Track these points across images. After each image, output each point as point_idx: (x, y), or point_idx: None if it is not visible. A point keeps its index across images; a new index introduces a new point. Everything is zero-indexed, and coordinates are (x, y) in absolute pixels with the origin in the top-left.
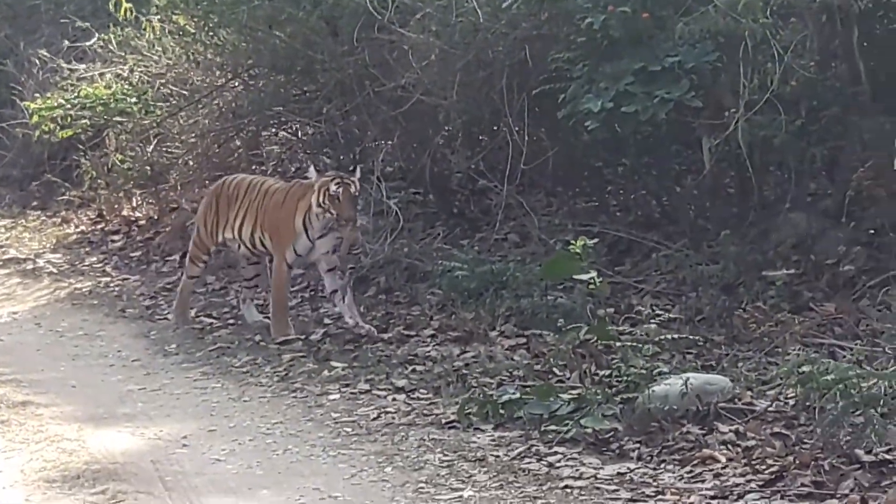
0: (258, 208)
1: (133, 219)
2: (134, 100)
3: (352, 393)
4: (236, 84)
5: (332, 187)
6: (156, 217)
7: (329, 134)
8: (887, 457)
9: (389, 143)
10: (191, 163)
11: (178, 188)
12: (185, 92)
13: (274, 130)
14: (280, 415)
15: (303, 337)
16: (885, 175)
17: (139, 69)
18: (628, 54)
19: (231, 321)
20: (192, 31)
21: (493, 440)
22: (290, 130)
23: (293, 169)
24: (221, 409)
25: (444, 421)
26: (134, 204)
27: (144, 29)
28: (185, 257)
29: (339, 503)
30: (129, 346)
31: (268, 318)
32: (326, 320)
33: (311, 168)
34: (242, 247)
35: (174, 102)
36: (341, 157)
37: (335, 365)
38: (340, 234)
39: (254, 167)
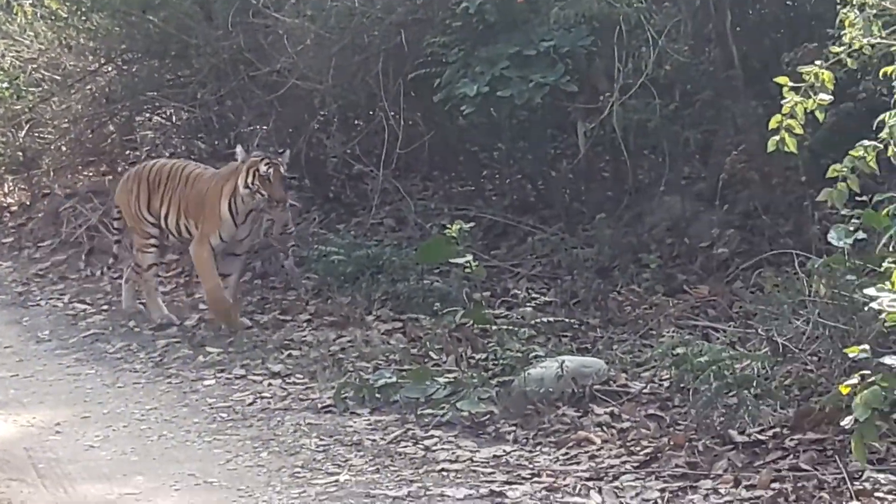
0: (181, 196)
1: (5, 205)
2: (5, 85)
3: (227, 378)
4: (109, 69)
5: (262, 168)
6: (28, 203)
7: (204, 119)
8: (760, 437)
9: (265, 127)
10: (63, 148)
11: (51, 174)
12: (57, 77)
13: (148, 115)
14: (155, 401)
15: (178, 322)
16: (757, 158)
17: (10, 54)
18: (504, 39)
19: (105, 307)
20: (65, 15)
21: (370, 424)
22: (164, 115)
23: (167, 154)
24: (95, 396)
25: (320, 405)
26: (6, 190)
27: (15, 13)
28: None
29: (215, 489)
30: (0, 333)
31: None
32: (202, 306)
33: (239, 147)
34: (170, 235)
35: (46, 87)
36: (216, 142)
37: (210, 350)
38: (271, 215)
39: (127, 152)
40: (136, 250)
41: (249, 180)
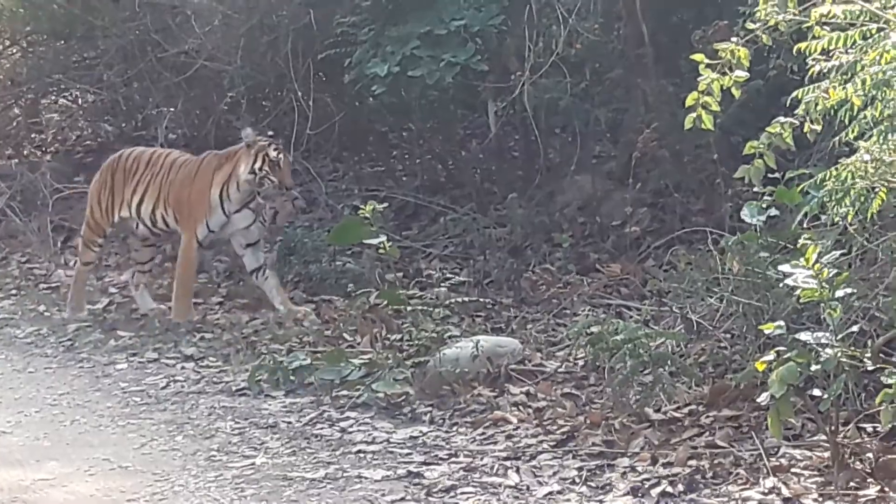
0: (161, 183)
1: None
2: None
3: (140, 362)
4: (14, 51)
5: (272, 153)
6: None
7: (110, 101)
8: (676, 415)
9: (173, 109)
10: None
11: None
12: None
13: (54, 98)
14: (67, 385)
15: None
16: (668, 136)
17: None
18: (414, 18)
19: (13, 292)
20: None
21: (285, 406)
22: (70, 98)
23: (74, 137)
24: (6, 381)
25: (234, 388)
26: None
27: None
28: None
29: (130, 473)
30: None
31: (163, 305)
32: (111, 289)
33: (248, 129)
34: (141, 226)
35: None
36: (123, 125)
37: (122, 334)
38: (275, 204)
39: (33, 135)
40: (83, 244)
41: (257, 165)
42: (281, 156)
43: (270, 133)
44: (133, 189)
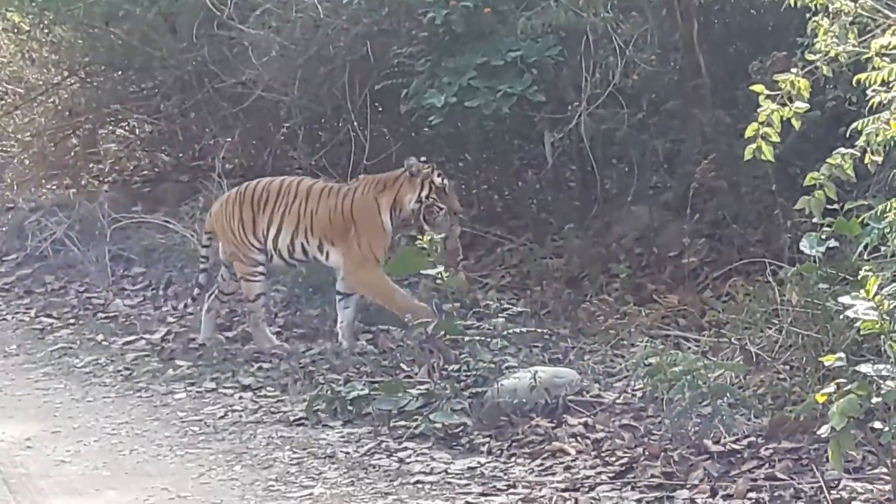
0: (300, 211)
1: None
2: None
3: (198, 391)
4: (73, 81)
5: (437, 180)
6: None
7: (168, 131)
8: (735, 447)
9: (229, 139)
10: (27, 161)
11: (14, 187)
12: (20, 90)
13: (111, 128)
14: (125, 415)
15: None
16: (725, 167)
17: None
18: (470, 49)
19: (72, 321)
20: (27, 28)
21: (343, 437)
22: (127, 128)
23: (131, 167)
24: (65, 410)
25: (292, 418)
26: None
27: None
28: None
29: (189, 503)
30: None
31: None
32: (170, 318)
33: (413, 159)
34: (276, 258)
35: (9, 101)
36: (180, 155)
37: (180, 364)
38: (442, 229)
39: (90, 165)
40: (242, 279)
41: (424, 193)
42: (446, 182)
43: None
44: (268, 220)
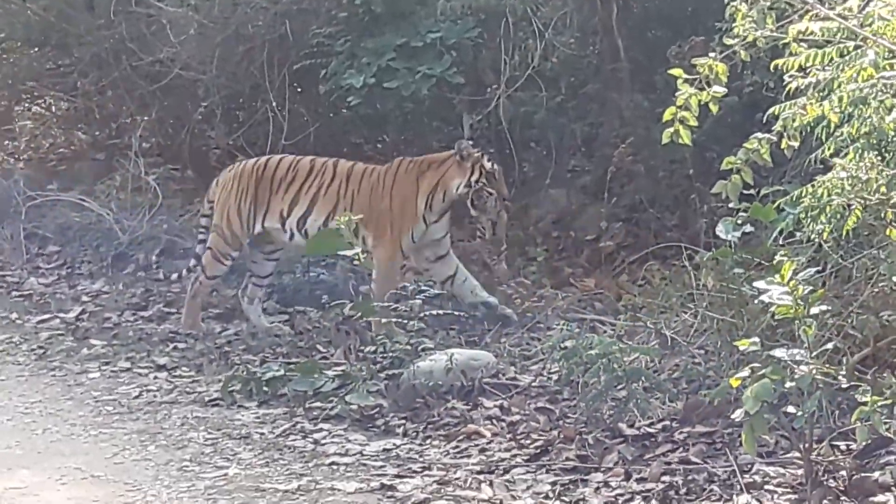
0: (339, 193)
1: None
2: None
3: (112, 371)
4: None
5: (487, 164)
6: None
7: (84, 109)
8: (649, 430)
9: (147, 118)
10: None
11: None
12: None
13: (27, 105)
14: (39, 394)
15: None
16: (643, 151)
17: None
18: (390, 30)
19: None
20: None
21: (258, 417)
22: (43, 105)
23: (47, 144)
24: None
25: (206, 399)
26: None
27: None
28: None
29: (102, 482)
30: None
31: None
32: (84, 297)
33: (464, 141)
34: (298, 237)
35: None
36: (97, 133)
37: (94, 343)
38: (489, 215)
39: (6, 142)
40: (212, 257)
41: (474, 178)
42: (496, 166)
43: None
44: (292, 199)
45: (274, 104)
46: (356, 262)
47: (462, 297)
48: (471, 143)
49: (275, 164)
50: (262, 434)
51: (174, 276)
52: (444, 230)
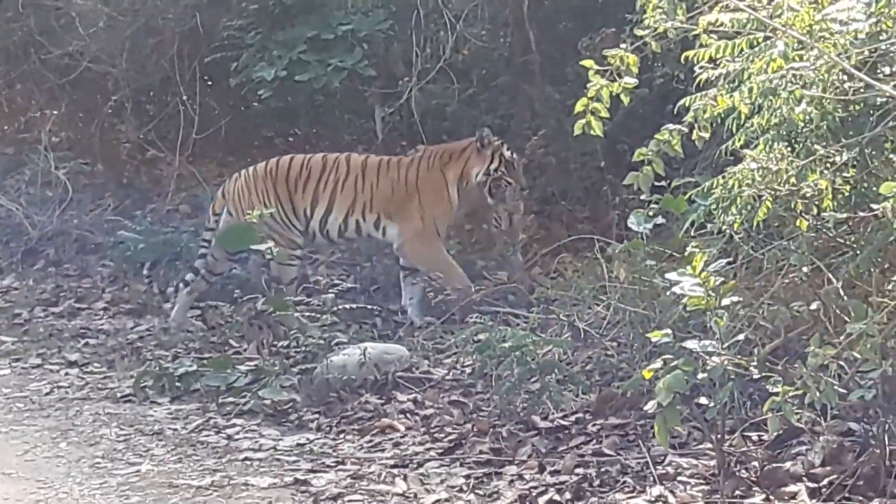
0: (357, 187)
1: None
2: None
3: (23, 368)
4: None
5: (507, 153)
6: None
7: None
8: (563, 422)
9: (56, 112)
10: None
11: None
12: None
13: None
14: None
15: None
16: (554, 144)
17: None
18: (301, 22)
19: None
20: None
21: (170, 413)
22: None
23: None
24: None
25: (119, 395)
26: None
27: None
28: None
29: (13, 480)
30: None
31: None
32: None
33: (486, 129)
34: (318, 237)
35: None
36: (6, 127)
37: (5, 339)
38: (507, 206)
39: None
40: (276, 263)
41: (493, 166)
42: (515, 156)
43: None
44: (312, 198)
45: (184, 97)
46: (269, 257)
47: (404, 293)
48: (489, 131)
49: (286, 164)
50: (175, 430)
51: (171, 290)
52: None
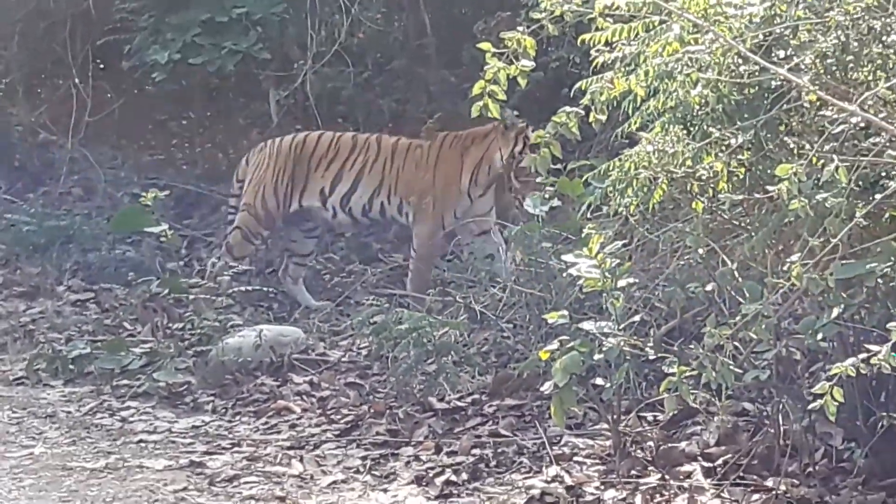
0: (384, 169)
1: None
2: None
3: None
4: None
5: (531, 134)
6: None
7: None
8: (460, 404)
9: None
10: None
11: None
12: None
13: None
14: None
15: None
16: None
17: None
18: (195, 5)
19: None
20: None
21: (64, 396)
22: None
23: None
24: None
25: (11, 378)
26: None
27: None
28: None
29: None
30: None
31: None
32: None
33: (509, 111)
34: (341, 214)
35: None
36: None
37: None
38: (530, 188)
39: None
40: (242, 237)
41: (517, 149)
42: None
43: None
44: (335, 176)
45: (77, 80)
46: (163, 240)
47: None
48: (516, 114)
49: (314, 140)
50: (69, 412)
51: (209, 263)
52: (489, 204)
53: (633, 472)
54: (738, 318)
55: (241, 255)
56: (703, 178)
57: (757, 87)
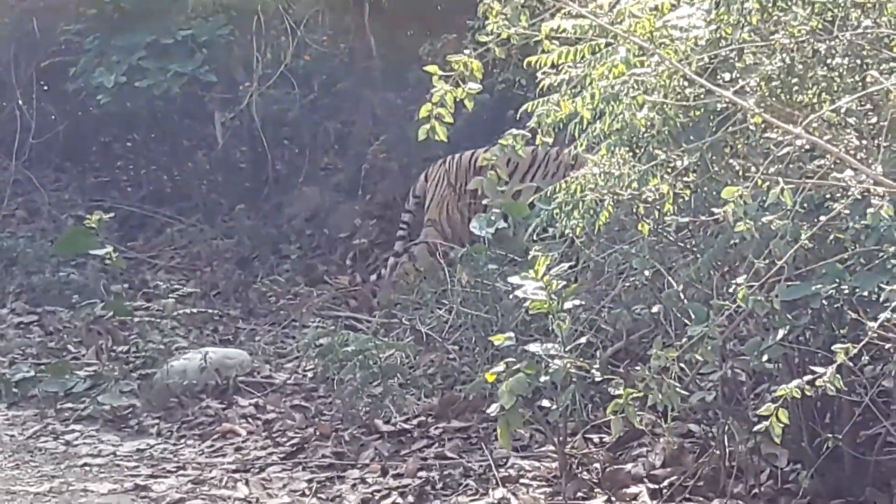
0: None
1: None
2: None
3: None
4: None
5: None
6: None
7: None
8: (405, 426)
9: None
10: None
11: None
12: None
13: None
14: None
15: None
16: (396, 149)
17: None
18: (141, 27)
19: None
20: None
21: (7, 419)
22: None
23: None
24: None
25: None
26: None
27: None
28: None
29: None
30: None
31: None
32: None
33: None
34: None
35: None
36: None
37: None
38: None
39: None
40: (427, 248)
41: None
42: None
43: None
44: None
45: (20, 102)
46: (107, 262)
47: None
48: None
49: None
50: (12, 436)
51: (373, 277)
52: None
53: (579, 493)
54: (683, 339)
55: (425, 268)
56: (649, 200)
57: (702, 110)
